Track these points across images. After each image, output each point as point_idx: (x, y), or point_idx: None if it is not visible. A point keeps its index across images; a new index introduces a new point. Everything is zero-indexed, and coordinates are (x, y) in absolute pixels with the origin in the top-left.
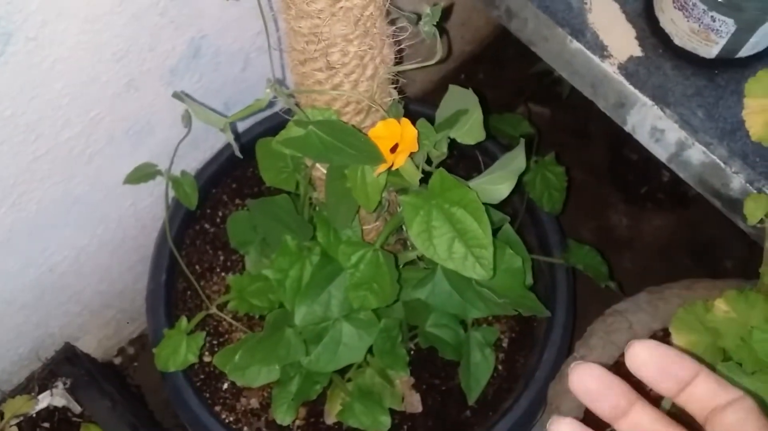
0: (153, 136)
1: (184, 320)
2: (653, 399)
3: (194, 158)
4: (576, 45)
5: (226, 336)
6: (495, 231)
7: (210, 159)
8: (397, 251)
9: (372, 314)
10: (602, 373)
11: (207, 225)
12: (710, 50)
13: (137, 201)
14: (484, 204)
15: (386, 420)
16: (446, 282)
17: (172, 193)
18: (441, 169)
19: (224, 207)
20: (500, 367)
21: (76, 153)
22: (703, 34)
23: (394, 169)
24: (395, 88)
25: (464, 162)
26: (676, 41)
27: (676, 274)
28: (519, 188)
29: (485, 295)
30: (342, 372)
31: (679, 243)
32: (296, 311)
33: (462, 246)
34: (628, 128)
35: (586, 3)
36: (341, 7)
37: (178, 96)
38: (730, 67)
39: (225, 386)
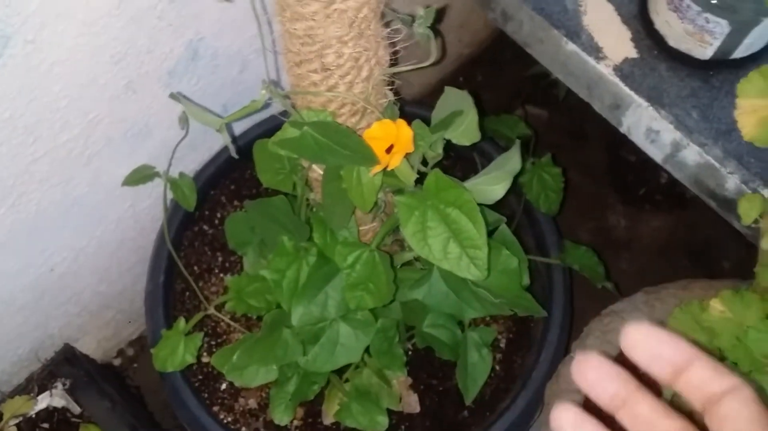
0: (151, 138)
1: (182, 321)
2: (657, 390)
3: (193, 160)
4: (571, 47)
5: (225, 337)
6: (491, 232)
7: (208, 161)
8: (394, 252)
9: (369, 314)
10: (602, 363)
11: (205, 227)
12: (705, 51)
13: (136, 202)
14: (479, 204)
15: (383, 420)
16: (442, 282)
17: (170, 195)
18: (436, 169)
19: (222, 208)
20: (498, 368)
21: (74, 155)
22: (697, 36)
23: (389, 169)
24: (391, 89)
25: (461, 163)
26: (671, 43)
27: (674, 275)
28: (516, 189)
29: (481, 295)
30: (340, 372)
31: (677, 244)
32: (293, 311)
33: (457, 246)
34: (623, 129)
35: (581, 5)
36: (336, 9)
37: (175, 97)
38: (725, 68)
39: (223, 386)
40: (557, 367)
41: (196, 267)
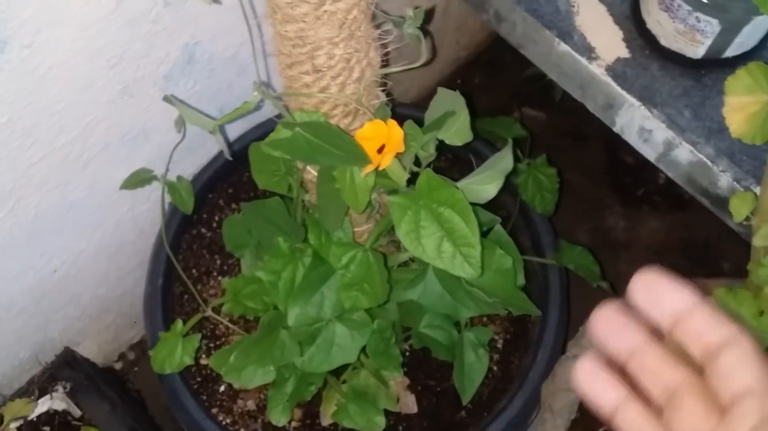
0: (149, 141)
1: (179, 323)
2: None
3: (191, 164)
4: (564, 47)
5: (223, 339)
6: (486, 233)
7: (206, 164)
8: (390, 253)
9: (365, 315)
10: (615, 315)
11: (203, 230)
12: (696, 51)
13: (134, 206)
14: (473, 204)
15: (381, 421)
16: (437, 282)
17: (168, 198)
18: (428, 169)
19: (220, 211)
20: (495, 368)
21: (72, 158)
22: (688, 35)
23: (380, 169)
24: (383, 90)
25: (458, 165)
26: (663, 42)
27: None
28: (512, 190)
29: (476, 295)
30: (337, 373)
31: (675, 245)
32: (289, 312)
33: (450, 245)
34: (616, 129)
35: (573, 5)
36: (326, 11)
37: (168, 99)
38: (717, 67)
39: (222, 388)
40: (554, 367)
41: (194, 270)
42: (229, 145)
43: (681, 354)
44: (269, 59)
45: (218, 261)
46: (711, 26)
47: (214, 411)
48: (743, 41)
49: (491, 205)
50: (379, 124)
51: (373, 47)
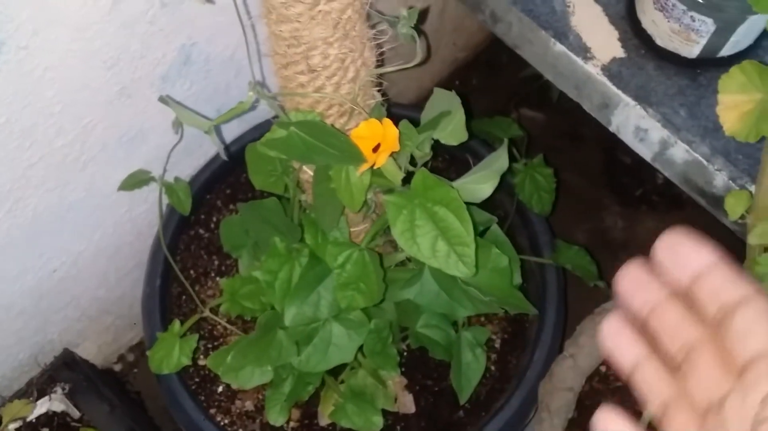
0: (146, 142)
1: (176, 323)
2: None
3: (189, 165)
4: (559, 47)
5: (221, 339)
6: (483, 232)
7: (203, 165)
8: (387, 253)
9: (362, 314)
10: (639, 272)
11: (201, 231)
12: (691, 50)
13: (132, 207)
14: (469, 203)
15: (378, 420)
16: (433, 281)
17: (166, 200)
18: (423, 168)
19: (218, 212)
20: (493, 368)
21: (70, 160)
22: (683, 35)
23: (376, 168)
24: (378, 90)
25: (455, 165)
26: (658, 42)
27: None
28: (509, 190)
29: (472, 294)
30: (335, 373)
31: None
32: (286, 312)
33: (445, 244)
34: (612, 128)
35: (569, 6)
36: (320, 11)
37: (164, 100)
38: (712, 67)
39: (220, 389)
40: (551, 366)
41: (192, 271)
42: (227, 146)
43: (700, 313)
44: (265, 59)
45: (216, 262)
46: (706, 26)
47: (213, 411)
48: (738, 40)
49: (488, 205)
50: (374, 123)
51: (368, 47)
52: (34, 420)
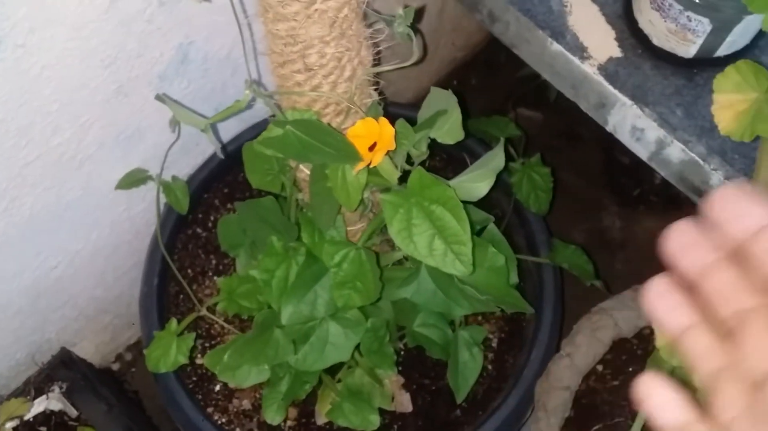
0: (143, 141)
1: (174, 322)
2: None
3: (186, 164)
4: (556, 47)
5: (219, 339)
6: (480, 231)
7: (201, 164)
8: (384, 252)
9: (359, 313)
10: (690, 230)
11: (199, 230)
12: (688, 50)
13: (130, 206)
14: (466, 202)
15: (375, 419)
16: (430, 280)
17: (164, 198)
18: (419, 167)
19: (216, 211)
20: (490, 367)
21: (66, 158)
22: (680, 34)
23: (372, 167)
24: (375, 89)
25: (452, 164)
26: (655, 42)
27: None
28: (506, 189)
29: (468, 293)
30: (332, 372)
31: None
32: (283, 310)
33: (442, 243)
34: (609, 128)
35: (566, 5)
36: (316, 10)
37: (161, 98)
38: (709, 67)
39: (217, 388)
40: (548, 365)
41: (189, 270)
42: (224, 145)
43: (757, 277)
44: (262, 58)
45: (213, 261)
46: (702, 25)
47: (210, 410)
48: (734, 40)
49: (485, 204)
50: (370, 122)
51: (364, 46)
52: (31, 419)
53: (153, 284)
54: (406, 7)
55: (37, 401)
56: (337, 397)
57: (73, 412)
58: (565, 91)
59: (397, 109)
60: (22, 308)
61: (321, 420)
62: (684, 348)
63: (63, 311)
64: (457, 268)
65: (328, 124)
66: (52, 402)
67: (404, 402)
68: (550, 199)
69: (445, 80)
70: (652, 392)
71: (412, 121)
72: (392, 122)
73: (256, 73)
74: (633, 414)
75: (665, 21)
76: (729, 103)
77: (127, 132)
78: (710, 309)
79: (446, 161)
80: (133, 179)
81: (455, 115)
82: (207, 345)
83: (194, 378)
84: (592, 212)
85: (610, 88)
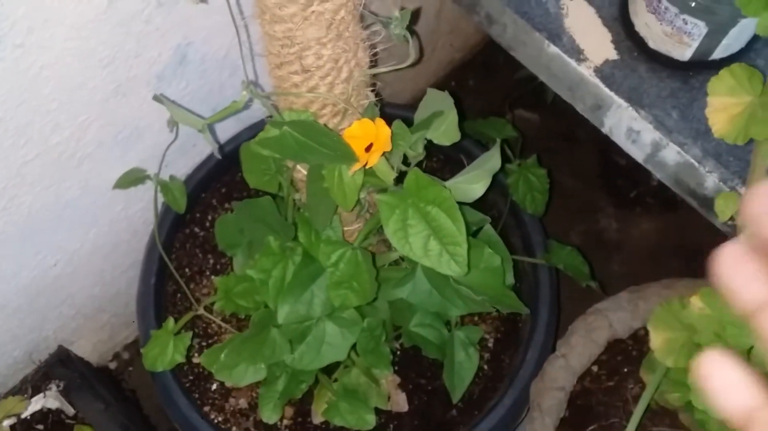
0: (142, 141)
1: (171, 320)
2: None
3: (184, 163)
4: (553, 49)
5: (216, 338)
6: (476, 232)
7: (199, 164)
8: (380, 252)
9: (355, 313)
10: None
11: (196, 229)
12: (684, 52)
13: (128, 205)
14: (462, 203)
15: (371, 418)
16: (426, 280)
17: (161, 198)
18: (415, 168)
19: (213, 211)
20: (486, 367)
21: (65, 157)
22: (676, 37)
23: (368, 167)
24: (372, 91)
25: (449, 165)
26: (651, 44)
27: (665, 277)
28: (503, 190)
29: (464, 293)
30: (328, 371)
31: (668, 246)
32: (279, 310)
33: (437, 243)
34: (605, 130)
35: (562, 8)
36: (313, 12)
37: (158, 98)
38: (705, 69)
39: (214, 387)
40: (543, 366)
41: (187, 270)
42: (222, 145)
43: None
44: (259, 59)
45: (211, 261)
46: (698, 28)
47: (207, 409)
48: (730, 43)
49: (482, 206)
50: (366, 123)
51: (361, 48)
52: (28, 417)
53: (150, 283)
54: (402, 8)
55: (34, 399)
56: (334, 396)
57: (71, 410)
58: (562, 93)
59: (394, 110)
60: (20, 306)
61: (317, 419)
62: (758, 326)
63: (61, 309)
64: (452, 269)
65: (325, 125)
66: (49, 400)
67: (400, 402)
68: (547, 200)
69: (443, 82)
70: (717, 371)
71: (408, 122)
72: (389, 123)
73: (254, 74)
74: (628, 414)
75: (661, 24)
76: (723, 106)
77: (126, 131)
78: None
79: (443, 162)
80: (131, 178)
81: (452, 116)
82: (204, 344)
83: (191, 377)
84: (589, 213)
85: (606, 90)
